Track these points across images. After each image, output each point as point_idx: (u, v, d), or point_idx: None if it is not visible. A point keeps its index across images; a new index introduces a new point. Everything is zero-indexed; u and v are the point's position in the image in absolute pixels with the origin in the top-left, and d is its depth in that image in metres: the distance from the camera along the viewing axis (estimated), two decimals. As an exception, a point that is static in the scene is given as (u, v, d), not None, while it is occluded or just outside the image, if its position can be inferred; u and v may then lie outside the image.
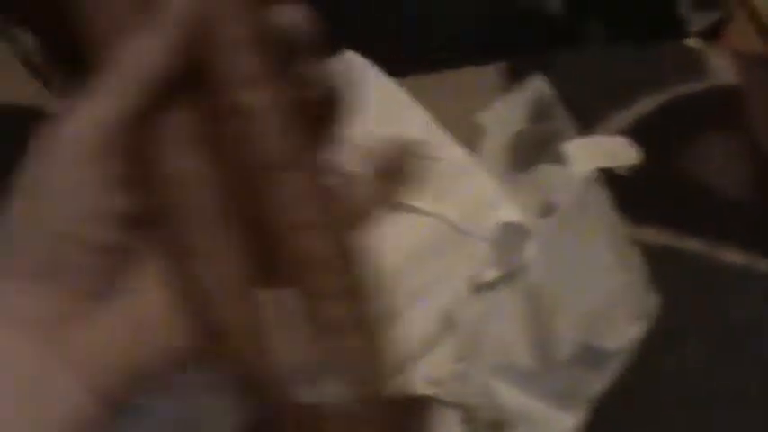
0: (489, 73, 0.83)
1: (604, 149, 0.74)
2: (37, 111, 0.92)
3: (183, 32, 0.39)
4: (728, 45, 1.26)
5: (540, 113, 0.76)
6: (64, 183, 0.39)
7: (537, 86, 0.76)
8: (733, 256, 0.67)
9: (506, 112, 0.76)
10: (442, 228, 0.69)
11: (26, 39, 0.99)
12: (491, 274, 0.65)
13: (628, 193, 0.71)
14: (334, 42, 0.54)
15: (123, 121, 0.39)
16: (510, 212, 0.69)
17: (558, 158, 0.72)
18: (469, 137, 0.76)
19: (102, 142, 0.39)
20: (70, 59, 0.98)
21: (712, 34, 1.32)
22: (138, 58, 0.39)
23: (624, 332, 0.60)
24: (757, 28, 1.27)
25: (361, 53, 0.76)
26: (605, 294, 0.61)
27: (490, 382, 0.61)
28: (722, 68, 0.83)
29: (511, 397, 0.60)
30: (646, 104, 0.80)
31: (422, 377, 0.63)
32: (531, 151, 0.74)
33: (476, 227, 0.68)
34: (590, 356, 0.58)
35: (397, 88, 0.76)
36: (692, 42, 1.36)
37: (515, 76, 0.80)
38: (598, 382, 0.58)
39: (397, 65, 0.77)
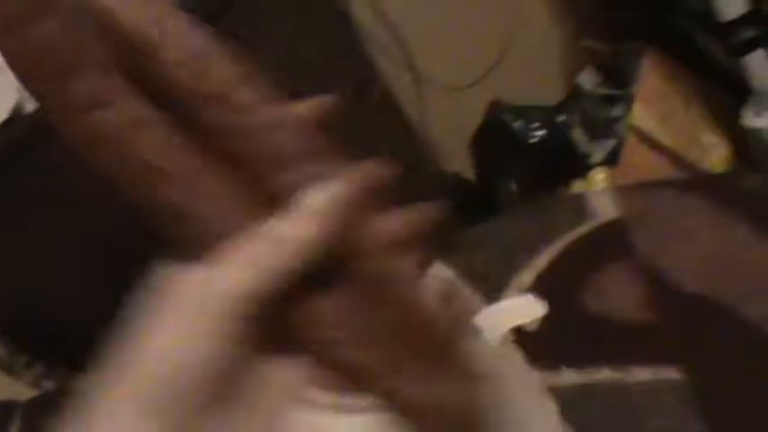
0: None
1: (512, 310, 0.83)
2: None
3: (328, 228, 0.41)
4: (629, 168, 1.37)
5: (447, 296, 0.85)
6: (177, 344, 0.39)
7: (438, 272, 0.86)
8: (642, 375, 0.75)
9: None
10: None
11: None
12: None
13: (540, 344, 0.80)
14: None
15: (259, 297, 0.39)
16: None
17: (474, 333, 0.81)
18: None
19: (230, 314, 0.39)
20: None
21: (613, 160, 1.44)
22: (277, 245, 0.40)
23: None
24: (650, 145, 1.39)
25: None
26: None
27: None
28: (603, 206, 0.93)
29: None
30: (543, 258, 0.89)
31: None
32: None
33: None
34: None
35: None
36: (596, 175, 1.47)
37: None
38: None
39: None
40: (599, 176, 1.47)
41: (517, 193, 1.51)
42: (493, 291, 0.85)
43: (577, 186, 1.48)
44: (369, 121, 1.65)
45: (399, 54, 1.66)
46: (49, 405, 1.02)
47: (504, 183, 1.49)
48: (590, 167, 1.49)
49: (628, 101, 1.44)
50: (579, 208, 0.93)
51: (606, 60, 1.54)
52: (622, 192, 0.94)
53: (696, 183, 0.94)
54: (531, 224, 0.93)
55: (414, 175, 1.58)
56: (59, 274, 1.07)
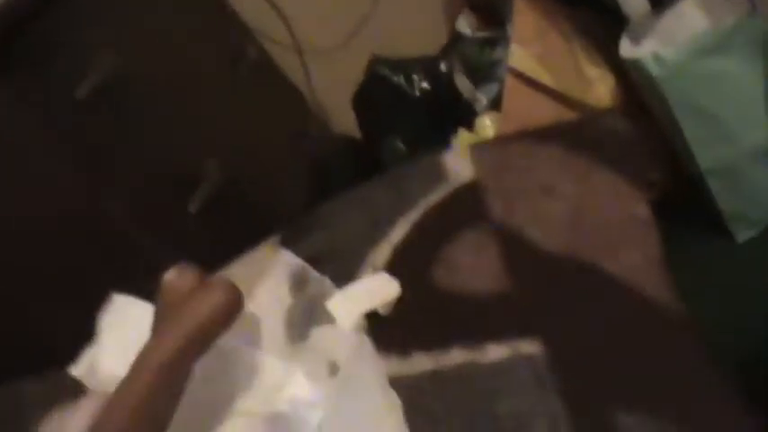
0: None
1: (364, 293, 0.77)
2: None
3: None
4: (513, 113, 1.32)
5: (299, 284, 0.80)
6: None
7: (287, 260, 0.80)
8: (497, 352, 0.70)
9: (270, 294, 0.80)
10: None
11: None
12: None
13: (392, 328, 0.75)
14: None
15: None
16: (298, 387, 0.73)
17: (329, 317, 0.76)
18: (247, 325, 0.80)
19: None
20: None
21: (499, 105, 1.38)
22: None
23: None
24: (531, 86, 1.34)
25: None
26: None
27: None
28: (460, 168, 0.87)
29: None
30: (398, 231, 0.83)
31: None
32: (304, 320, 0.77)
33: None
34: None
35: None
36: (482, 121, 1.42)
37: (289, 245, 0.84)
38: None
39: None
40: (485, 123, 1.42)
41: (404, 150, 1.45)
42: (348, 270, 0.80)
43: (465, 137, 1.43)
44: (250, 89, 1.59)
45: (275, 20, 1.61)
46: None
47: (391, 141, 1.44)
48: (476, 114, 1.43)
49: (507, 42, 1.39)
50: (434, 172, 0.89)
51: (481, 1, 1.48)
52: (477, 149, 0.89)
53: (553, 131, 0.89)
54: (388, 194, 0.88)
55: (301, 138, 1.53)
56: None
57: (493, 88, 1.45)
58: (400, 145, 1.46)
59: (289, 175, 1.50)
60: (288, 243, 0.85)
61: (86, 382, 0.81)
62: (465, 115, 1.46)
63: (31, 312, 1.13)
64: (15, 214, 1.09)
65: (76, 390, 0.86)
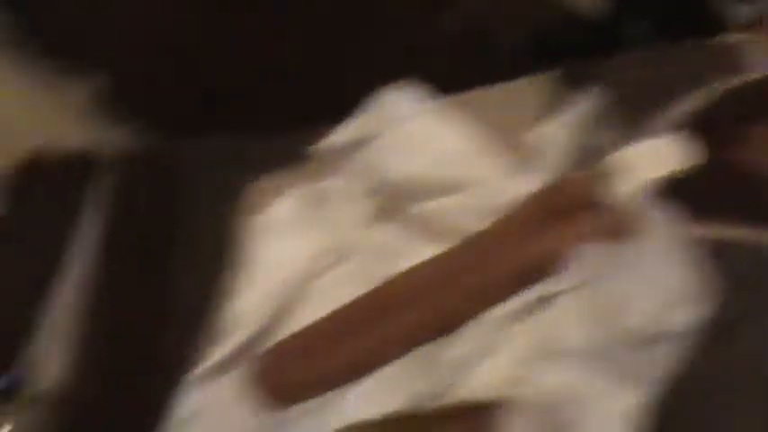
0: (540, 83, 0.87)
1: (660, 153, 0.76)
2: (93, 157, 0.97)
3: None
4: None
5: (591, 126, 0.79)
6: None
7: (587, 99, 0.80)
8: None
9: (558, 129, 0.79)
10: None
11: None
12: (557, 287, 0.68)
13: (686, 192, 0.74)
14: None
15: None
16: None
17: (613, 168, 0.75)
18: (525, 151, 0.80)
19: None
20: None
21: (750, 26, 1.33)
22: None
23: (686, 316, 0.63)
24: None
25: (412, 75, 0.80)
26: (669, 292, 0.64)
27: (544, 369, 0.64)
28: (760, 61, 0.85)
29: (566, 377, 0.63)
30: (691, 102, 0.82)
31: (488, 378, 0.67)
32: (585, 164, 0.77)
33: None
34: (655, 337, 0.61)
35: (436, 114, 0.80)
36: (730, 37, 1.37)
37: (566, 85, 0.84)
38: (663, 363, 0.61)
39: (447, 81, 0.81)
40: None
41: (642, 36, 1.40)
42: (636, 129, 0.79)
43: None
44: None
45: None
46: (132, 165, 0.99)
47: (634, 24, 1.39)
48: (723, 30, 1.38)
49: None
50: (732, 58, 0.86)
51: None
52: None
53: None
54: (680, 66, 0.86)
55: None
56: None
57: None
58: (642, 29, 1.41)
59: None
60: (575, 86, 0.83)
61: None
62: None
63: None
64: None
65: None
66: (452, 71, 0.84)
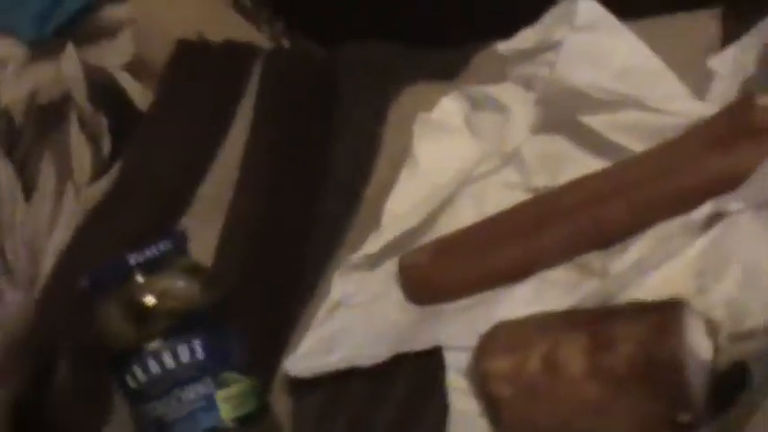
0: (708, 18, 0.85)
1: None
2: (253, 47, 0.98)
3: None
4: None
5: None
6: None
7: (766, 30, 0.79)
8: None
9: (737, 56, 0.78)
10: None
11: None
12: (736, 205, 0.68)
13: None
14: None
15: None
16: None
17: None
18: (697, 80, 0.79)
19: None
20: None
21: None
22: None
23: None
24: None
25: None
26: None
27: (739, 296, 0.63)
28: None
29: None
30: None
31: (660, 290, 0.66)
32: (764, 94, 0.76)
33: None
34: None
35: (626, 31, 0.79)
36: None
37: (734, 21, 0.83)
38: None
39: (613, 8, 0.81)
40: None
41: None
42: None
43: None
44: None
45: None
46: (290, 60, 1.00)
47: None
48: None
49: None
50: None
51: None
52: None
53: None
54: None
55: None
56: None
57: None
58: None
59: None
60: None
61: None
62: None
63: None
64: None
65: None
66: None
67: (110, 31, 1.02)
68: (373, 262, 0.79)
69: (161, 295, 0.72)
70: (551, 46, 0.79)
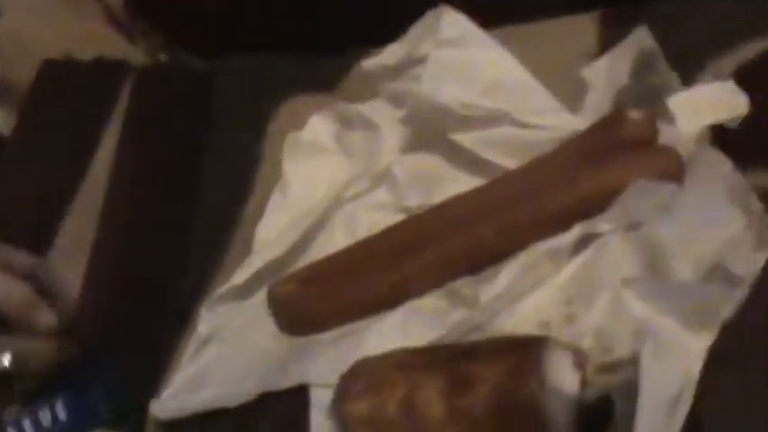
0: (587, 22, 0.83)
1: (711, 100, 0.73)
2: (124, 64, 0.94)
3: None
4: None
5: (644, 67, 0.76)
6: None
7: (640, 38, 0.76)
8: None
9: (610, 66, 0.76)
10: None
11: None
12: (605, 226, 0.65)
13: (738, 142, 0.71)
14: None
15: None
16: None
17: (664, 113, 0.72)
18: (571, 90, 0.77)
19: None
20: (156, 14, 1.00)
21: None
22: None
23: (751, 261, 0.59)
24: None
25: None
26: (725, 236, 0.61)
27: (622, 294, 0.61)
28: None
29: (638, 310, 0.60)
30: (748, 51, 0.78)
31: (530, 317, 0.64)
32: (641, 103, 0.73)
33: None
34: (719, 277, 0.58)
35: (487, 42, 0.77)
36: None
37: (613, 25, 0.80)
38: (728, 305, 0.57)
39: (488, 14, 0.78)
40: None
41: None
42: (688, 74, 0.75)
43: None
44: None
45: None
46: (162, 78, 0.97)
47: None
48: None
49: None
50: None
51: None
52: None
53: None
54: (737, 13, 0.83)
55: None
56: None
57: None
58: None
59: None
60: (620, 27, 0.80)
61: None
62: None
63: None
64: None
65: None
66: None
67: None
68: (242, 293, 0.76)
69: (15, 357, 0.68)
70: (418, 61, 0.76)
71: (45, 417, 0.66)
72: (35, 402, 0.67)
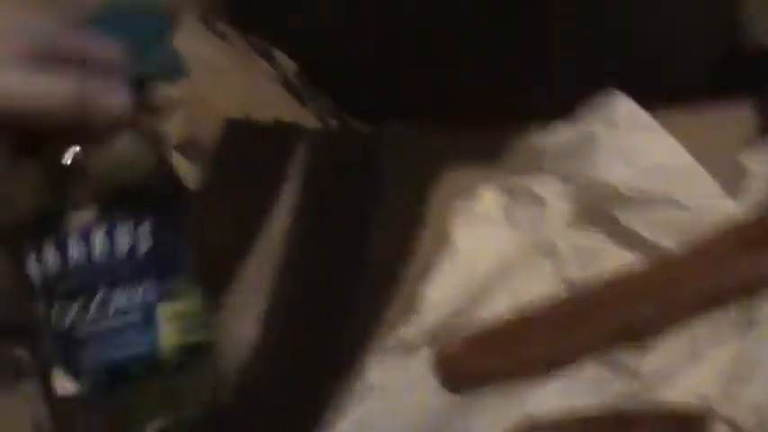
0: (745, 108, 0.86)
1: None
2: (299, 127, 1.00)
3: None
4: None
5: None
6: None
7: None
8: None
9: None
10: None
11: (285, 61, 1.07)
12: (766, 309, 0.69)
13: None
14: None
15: None
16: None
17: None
18: (730, 176, 0.81)
19: None
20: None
21: None
22: None
23: None
24: None
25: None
26: None
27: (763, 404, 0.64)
28: None
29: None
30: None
31: (689, 391, 0.68)
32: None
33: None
34: None
35: (659, 128, 0.81)
36: None
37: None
38: None
39: (641, 99, 0.83)
40: None
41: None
42: None
43: None
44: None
45: None
46: (335, 141, 1.02)
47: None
48: None
49: None
50: None
51: None
52: None
53: None
54: None
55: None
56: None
57: None
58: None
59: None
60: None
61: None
62: None
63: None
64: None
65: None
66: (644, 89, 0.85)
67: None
68: (409, 348, 0.80)
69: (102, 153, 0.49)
70: (587, 141, 0.81)
71: (123, 237, 0.48)
72: (115, 215, 0.48)
